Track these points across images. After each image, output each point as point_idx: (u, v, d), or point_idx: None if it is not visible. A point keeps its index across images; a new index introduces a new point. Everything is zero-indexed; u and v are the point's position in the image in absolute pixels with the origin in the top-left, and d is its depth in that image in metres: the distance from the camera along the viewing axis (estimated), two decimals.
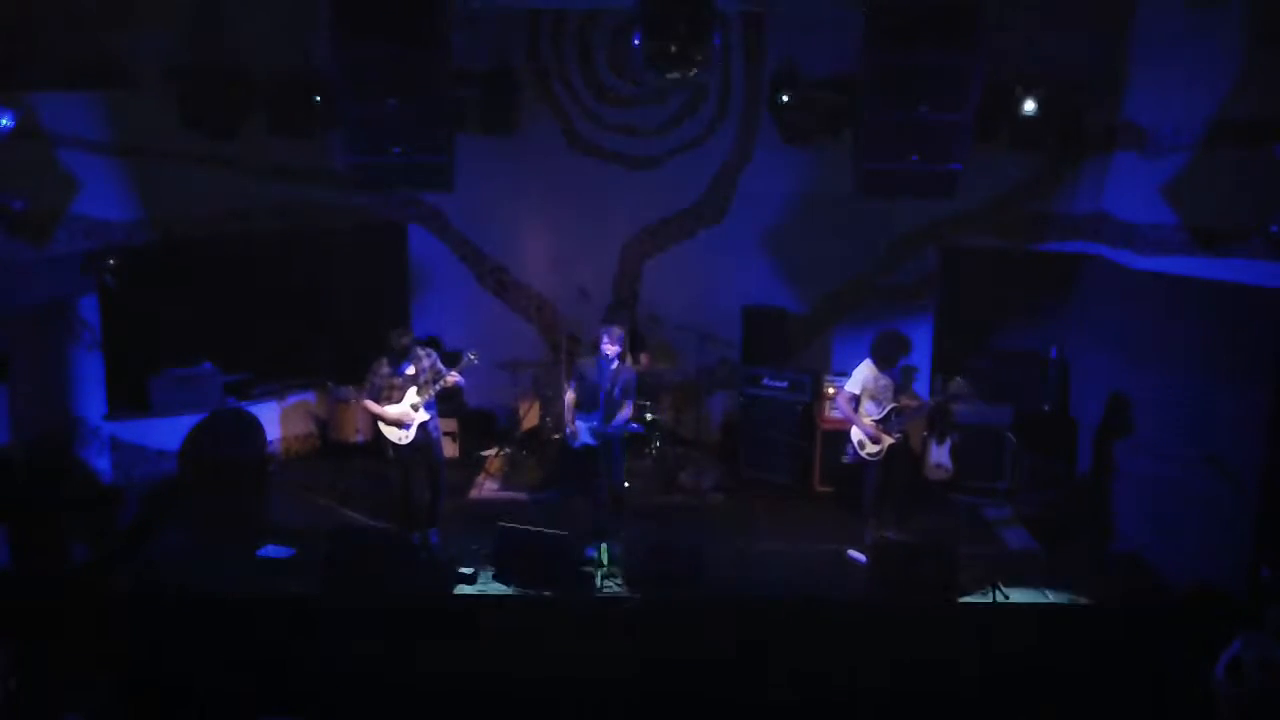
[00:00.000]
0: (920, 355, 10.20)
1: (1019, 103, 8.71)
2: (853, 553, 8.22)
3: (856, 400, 8.21)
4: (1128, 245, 8.53)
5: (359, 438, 10.13)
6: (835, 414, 8.74)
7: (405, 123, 8.06)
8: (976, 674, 7.25)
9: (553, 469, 9.73)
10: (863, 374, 8.19)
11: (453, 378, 8.18)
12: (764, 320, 10.33)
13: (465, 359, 8.41)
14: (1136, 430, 8.58)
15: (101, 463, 9.13)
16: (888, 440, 8.13)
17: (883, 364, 8.14)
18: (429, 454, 8.29)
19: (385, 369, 8.12)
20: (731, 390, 10.47)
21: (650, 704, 7.32)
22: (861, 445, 8.24)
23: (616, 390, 8.17)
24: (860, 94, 8.18)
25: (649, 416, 9.62)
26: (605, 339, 8.15)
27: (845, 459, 8.58)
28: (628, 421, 8.40)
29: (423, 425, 8.17)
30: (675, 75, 7.32)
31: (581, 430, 8.26)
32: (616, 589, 7.68)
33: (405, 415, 8.11)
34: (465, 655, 7.41)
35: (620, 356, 8.22)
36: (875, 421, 8.14)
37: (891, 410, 8.12)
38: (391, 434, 8.18)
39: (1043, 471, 9.53)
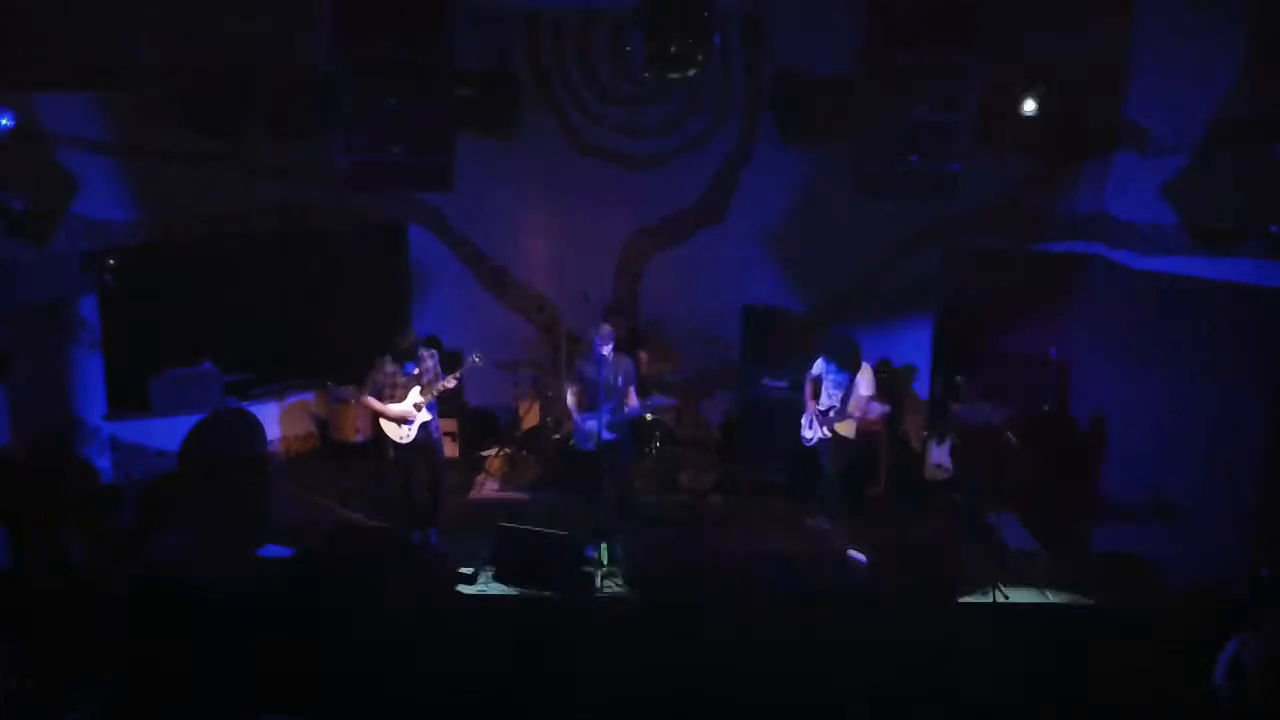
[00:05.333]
0: (920, 355, 10.20)
1: (1019, 103, 8.70)
2: (853, 553, 8.22)
3: (816, 385, 8.60)
4: (1128, 245, 8.53)
5: (359, 437, 10.14)
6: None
7: (405, 123, 8.06)
8: (976, 674, 7.26)
9: (553, 469, 9.73)
10: (820, 363, 8.58)
11: (450, 383, 8.20)
12: (764, 320, 10.32)
13: (469, 361, 8.43)
14: (1136, 430, 8.57)
15: (101, 463, 9.13)
16: (820, 432, 8.47)
17: (828, 360, 8.45)
18: (429, 454, 8.30)
19: (390, 367, 8.13)
20: (731, 390, 10.46)
21: (650, 703, 7.33)
22: (801, 426, 8.65)
23: (619, 379, 8.21)
24: (860, 94, 8.18)
25: (649, 417, 9.62)
26: (599, 338, 8.19)
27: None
28: (643, 405, 8.48)
29: (424, 425, 8.17)
30: (675, 75, 7.33)
31: (596, 427, 8.23)
32: (616, 589, 7.67)
33: (407, 414, 8.12)
34: (465, 655, 7.42)
35: (614, 350, 8.28)
36: (819, 411, 8.48)
37: (831, 408, 8.41)
38: (393, 432, 8.19)
39: (1043, 471, 9.52)
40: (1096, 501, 9.03)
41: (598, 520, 8.27)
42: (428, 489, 8.37)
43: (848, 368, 8.28)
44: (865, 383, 8.28)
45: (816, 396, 8.59)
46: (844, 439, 8.44)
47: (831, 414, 8.37)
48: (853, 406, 8.34)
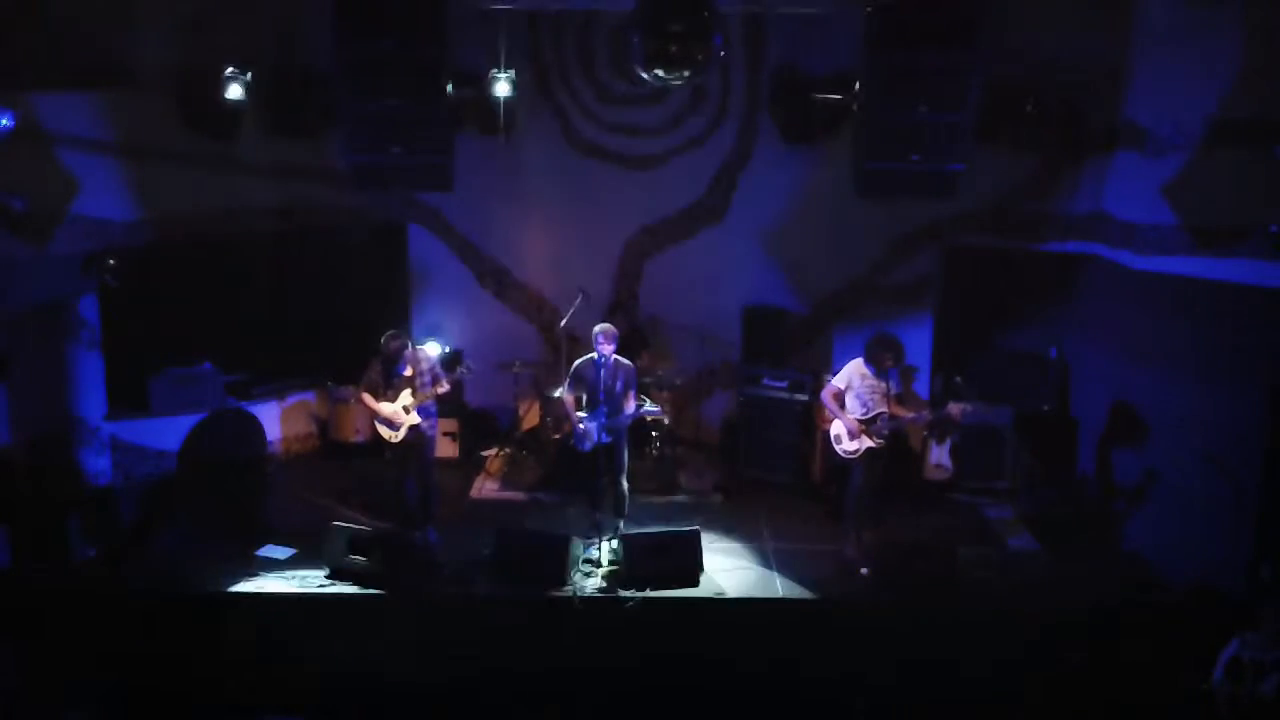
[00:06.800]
0: (920, 355, 10.20)
1: (1019, 103, 8.70)
2: (865, 571, 8.11)
3: (841, 396, 8.11)
4: (1128, 245, 8.53)
5: (359, 438, 10.14)
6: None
7: (405, 123, 8.08)
8: (977, 673, 7.26)
9: (553, 469, 9.73)
10: (851, 371, 8.09)
11: (444, 387, 8.24)
12: (764, 320, 10.33)
13: (460, 370, 8.46)
14: (1139, 433, 8.57)
15: (101, 463, 9.13)
16: (868, 442, 8.02)
17: (873, 365, 8.02)
18: (420, 454, 8.31)
19: (380, 368, 8.17)
20: (731, 390, 10.46)
21: (650, 703, 7.33)
22: (838, 440, 8.13)
23: (619, 384, 8.22)
24: (860, 94, 8.18)
25: (649, 418, 9.62)
26: (600, 338, 8.20)
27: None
28: (638, 410, 8.49)
29: (414, 426, 8.19)
30: (675, 75, 7.33)
31: (594, 429, 8.25)
32: (616, 589, 7.67)
33: (395, 415, 8.15)
34: (465, 655, 7.42)
35: (615, 354, 8.29)
36: (859, 421, 8.04)
37: (880, 414, 8.02)
38: (383, 432, 8.27)
39: (1043, 471, 9.52)
40: (1101, 503, 9.02)
41: (597, 520, 8.27)
42: (419, 489, 8.38)
43: (898, 366, 8.04)
44: (896, 382, 8.16)
45: (843, 406, 8.10)
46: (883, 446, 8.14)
47: (881, 421, 7.99)
48: (909, 412, 8.15)
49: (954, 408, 8.18)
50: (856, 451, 8.06)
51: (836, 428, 8.15)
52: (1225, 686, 6.32)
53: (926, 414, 8.26)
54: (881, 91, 7.89)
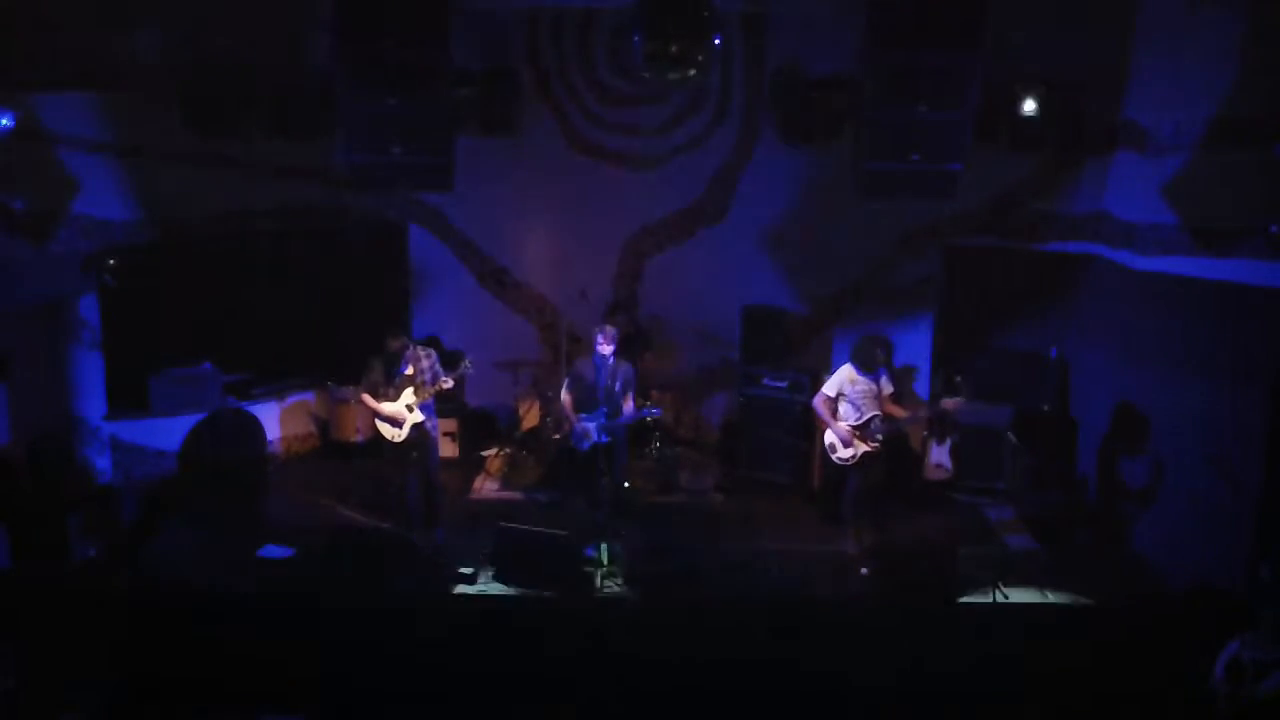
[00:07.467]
0: (920, 355, 10.20)
1: (1019, 103, 8.69)
2: (865, 571, 8.12)
3: (833, 403, 8.12)
4: (1128, 245, 8.53)
5: (359, 437, 10.14)
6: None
7: (405, 123, 8.08)
8: (976, 674, 7.25)
9: (553, 469, 9.73)
10: (840, 377, 8.10)
11: (446, 383, 8.24)
12: (764, 320, 10.31)
13: (462, 366, 8.47)
14: (1141, 435, 8.57)
15: (101, 463, 9.13)
16: (862, 447, 8.02)
17: (862, 367, 8.02)
18: (424, 454, 8.31)
19: (381, 368, 8.17)
20: (731, 390, 10.46)
21: (650, 704, 7.33)
22: (832, 449, 8.14)
23: (618, 385, 8.25)
24: (860, 94, 8.18)
25: (650, 419, 9.62)
26: (600, 338, 8.21)
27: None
28: (637, 411, 8.51)
29: (418, 425, 8.19)
30: (675, 75, 7.33)
31: (592, 430, 8.28)
32: (616, 589, 7.67)
33: (398, 414, 8.16)
34: (465, 655, 7.42)
35: (615, 354, 8.30)
36: (853, 427, 8.04)
37: (874, 417, 8.03)
38: (386, 431, 8.27)
39: (1043, 471, 9.52)
40: (1104, 504, 9.02)
41: (597, 520, 8.27)
42: (423, 489, 8.38)
43: (881, 367, 8.04)
44: (888, 381, 8.17)
45: (835, 413, 8.12)
46: (878, 452, 8.15)
47: (874, 424, 8.01)
48: (903, 411, 8.15)
49: (948, 403, 8.20)
50: (852, 458, 8.09)
51: (830, 437, 8.16)
52: (1225, 686, 6.32)
53: (921, 412, 8.26)
54: (882, 91, 7.88)
